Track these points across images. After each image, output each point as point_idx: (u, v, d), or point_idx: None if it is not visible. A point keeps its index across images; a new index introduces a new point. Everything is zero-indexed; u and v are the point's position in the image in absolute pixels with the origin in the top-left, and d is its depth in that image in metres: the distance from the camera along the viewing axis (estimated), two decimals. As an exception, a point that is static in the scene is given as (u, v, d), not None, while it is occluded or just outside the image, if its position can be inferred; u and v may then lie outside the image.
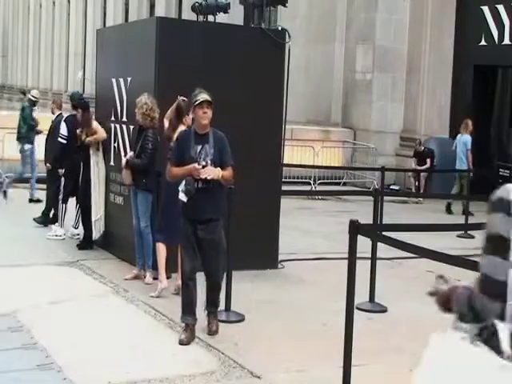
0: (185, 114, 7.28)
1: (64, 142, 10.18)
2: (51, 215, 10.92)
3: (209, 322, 6.32)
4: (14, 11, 51.00)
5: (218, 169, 6.05)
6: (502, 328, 2.41)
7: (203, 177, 5.98)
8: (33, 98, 13.74)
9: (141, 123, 7.90)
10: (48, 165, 11.03)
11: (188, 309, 6.19)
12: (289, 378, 5.49)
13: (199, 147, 6.11)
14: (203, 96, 6.10)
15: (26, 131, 13.33)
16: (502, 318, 2.42)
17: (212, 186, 6.08)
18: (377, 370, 5.68)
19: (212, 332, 6.23)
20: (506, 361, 2.35)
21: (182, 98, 7.32)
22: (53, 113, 11.51)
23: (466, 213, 12.21)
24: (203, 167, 5.99)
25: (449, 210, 14.72)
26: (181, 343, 6.05)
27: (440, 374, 2.44)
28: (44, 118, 12.35)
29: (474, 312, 2.49)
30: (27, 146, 13.39)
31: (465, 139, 14.93)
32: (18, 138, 13.49)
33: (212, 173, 6.00)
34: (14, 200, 12.12)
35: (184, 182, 6.10)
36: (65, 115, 10.92)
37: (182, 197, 6.11)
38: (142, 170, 7.89)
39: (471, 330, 2.47)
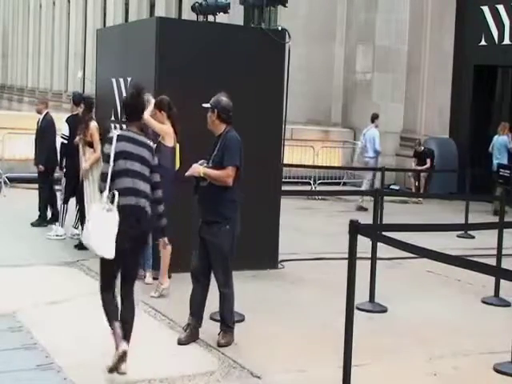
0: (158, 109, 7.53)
1: (65, 141, 10.19)
2: (50, 214, 10.91)
3: (218, 336, 6.10)
4: (14, 11, 50.98)
5: (199, 167, 6.01)
6: (104, 193, 5.21)
7: (186, 174, 6.10)
8: None
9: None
10: (41, 167, 10.93)
11: (191, 309, 6.15)
12: (289, 378, 5.49)
13: (214, 149, 6.11)
14: (208, 103, 6.15)
15: None
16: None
17: (205, 185, 6.00)
18: (377, 370, 5.69)
19: (220, 344, 6.00)
20: (108, 206, 5.15)
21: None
22: (39, 112, 11.38)
23: (466, 213, 12.21)
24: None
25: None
26: (179, 342, 6.03)
27: (92, 217, 5.25)
28: (33, 118, 12.21)
29: (100, 189, 5.31)
30: None
31: (503, 140, 15.11)
32: None
33: (192, 171, 6.04)
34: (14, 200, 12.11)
35: None
36: (52, 114, 10.92)
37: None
38: None
39: (103, 197, 5.21)
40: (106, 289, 5.36)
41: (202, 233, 6.08)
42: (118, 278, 5.40)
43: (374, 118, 15.68)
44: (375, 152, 15.41)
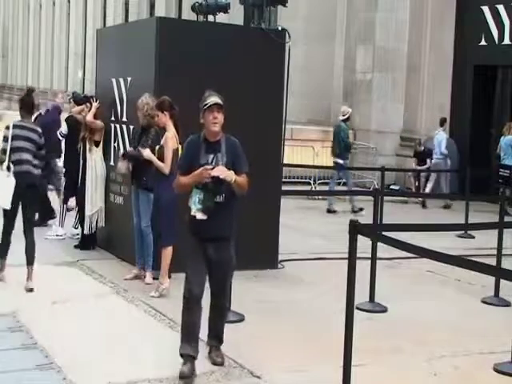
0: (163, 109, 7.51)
1: (61, 138, 10.23)
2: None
3: (211, 354, 5.67)
4: (14, 11, 51.00)
5: (228, 171, 5.29)
6: (4, 164, 7.38)
7: (215, 174, 5.21)
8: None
9: (144, 125, 7.96)
10: None
11: (189, 337, 5.38)
12: (289, 378, 5.49)
13: (211, 156, 5.39)
14: (213, 99, 5.42)
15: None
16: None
17: (228, 200, 5.38)
18: (377, 370, 5.69)
19: (218, 363, 5.57)
20: (7, 173, 7.35)
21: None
22: None
23: (466, 213, 12.21)
24: (213, 168, 5.27)
25: None
26: (182, 375, 5.24)
27: None
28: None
29: (0, 160, 7.43)
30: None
31: (508, 140, 15.25)
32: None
33: (225, 172, 5.25)
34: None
35: (200, 199, 5.34)
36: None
37: (201, 215, 5.34)
38: (140, 168, 7.86)
39: (3, 166, 7.38)
40: (7, 232, 7.76)
41: (209, 253, 5.43)
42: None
43: (443, 121, 16.64)
44: (442, 154, 16.27)
